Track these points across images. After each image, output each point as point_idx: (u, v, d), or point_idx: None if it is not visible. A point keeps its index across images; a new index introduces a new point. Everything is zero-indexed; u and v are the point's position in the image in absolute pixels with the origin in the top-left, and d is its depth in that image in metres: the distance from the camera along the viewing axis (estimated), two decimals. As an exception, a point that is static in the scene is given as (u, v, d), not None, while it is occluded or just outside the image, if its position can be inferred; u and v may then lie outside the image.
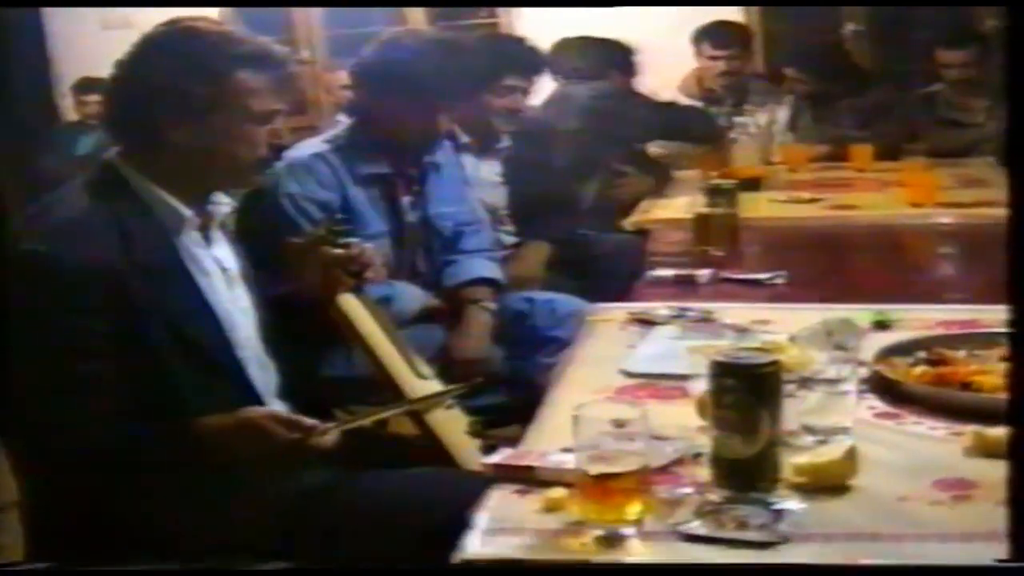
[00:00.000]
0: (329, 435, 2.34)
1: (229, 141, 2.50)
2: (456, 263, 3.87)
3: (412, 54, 3.64)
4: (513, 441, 2.29)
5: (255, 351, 2.62)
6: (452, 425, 2.73)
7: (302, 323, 2.80)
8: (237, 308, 2.60)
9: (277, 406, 2.61)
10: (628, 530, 1.83)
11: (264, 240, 3.45)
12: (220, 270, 2.59)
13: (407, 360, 2.80)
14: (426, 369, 2.85)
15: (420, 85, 3.58)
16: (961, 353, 2.54)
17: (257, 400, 2.54)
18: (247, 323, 2.62)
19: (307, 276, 2.74)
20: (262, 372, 2.63)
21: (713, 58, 6.38)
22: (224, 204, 2.62)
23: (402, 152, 3.72)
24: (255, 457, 2.32)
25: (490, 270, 3.89)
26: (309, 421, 2.33)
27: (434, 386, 2.83)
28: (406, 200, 3.74)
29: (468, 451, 2.68)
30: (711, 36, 6.39)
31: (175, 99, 2.43)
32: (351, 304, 2.78)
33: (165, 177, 2.48)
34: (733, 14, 6.82)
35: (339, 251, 2.72)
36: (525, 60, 4.62)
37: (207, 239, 2.58)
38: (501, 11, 7.97)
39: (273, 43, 2.57)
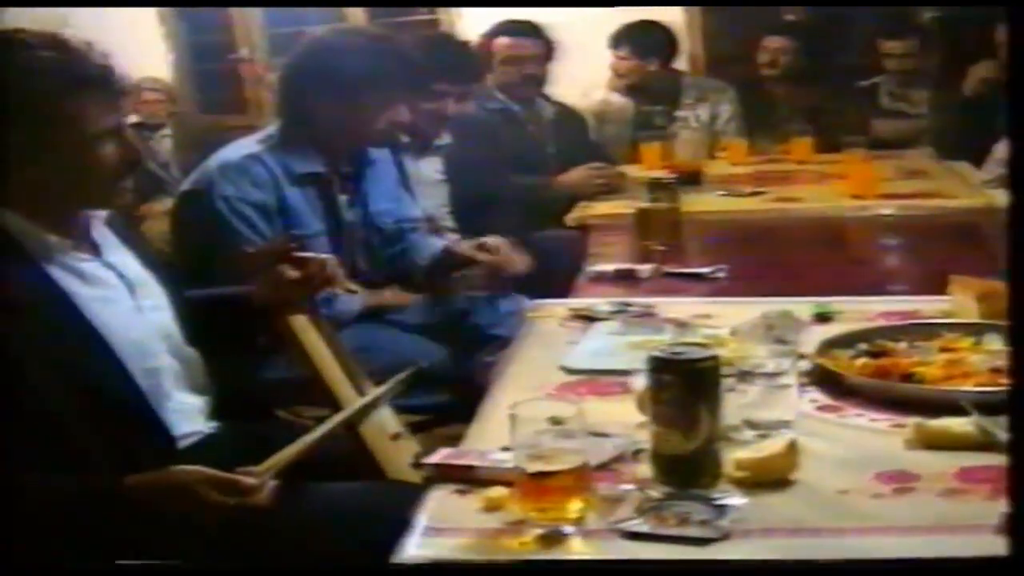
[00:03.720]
0: (264, 491, 2.20)
1: (69, 170, 2.40)
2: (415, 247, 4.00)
3: (337, 55, 3.61)
4: (456, 441, 2.27)
5: (173, 350, 2.58)
6: (379, 432, 2.67)
7: (246, 326, 2.77)
8: (146, 312, 2.54)
9: (200, 401, 2.60)
10: (569, 528, 1.81)
11: (201, 243, 3.43)
12: (117, 277, 2.52)
13: (353, 381, 2.74)
14: (370, 385, 2.79)
15: (344, 86, 3.56)
16: (902, 345, 2.53)
17: (159, 423, 2.48)
18: (160, 322, 2.57)
19: (257, 289, 2.70)
20: (184, 369, 2.59)
21: (621, 58, 6.40)
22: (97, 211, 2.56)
23: (336, 150, 3.69)
24: (187, 519, 2.20)
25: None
26: (247, 481, 2.18)
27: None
28: (343, 199, 3.71)
29: (395, 458, 2.61)
30: (628, 40, 6.41)
31: (12, 134, 2.33)
32: (300, 323, 2.72)
33: (23, 207, 2.38)
34: (659, 13, 6.76)
35: (295, 272, 2.67)
36: (460, 66, 4.59)
37: (94, 248, 2.52)
38: (442, 9, 7.92)
39: (100, 57, 2.44)
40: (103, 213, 2.56)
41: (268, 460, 2.26)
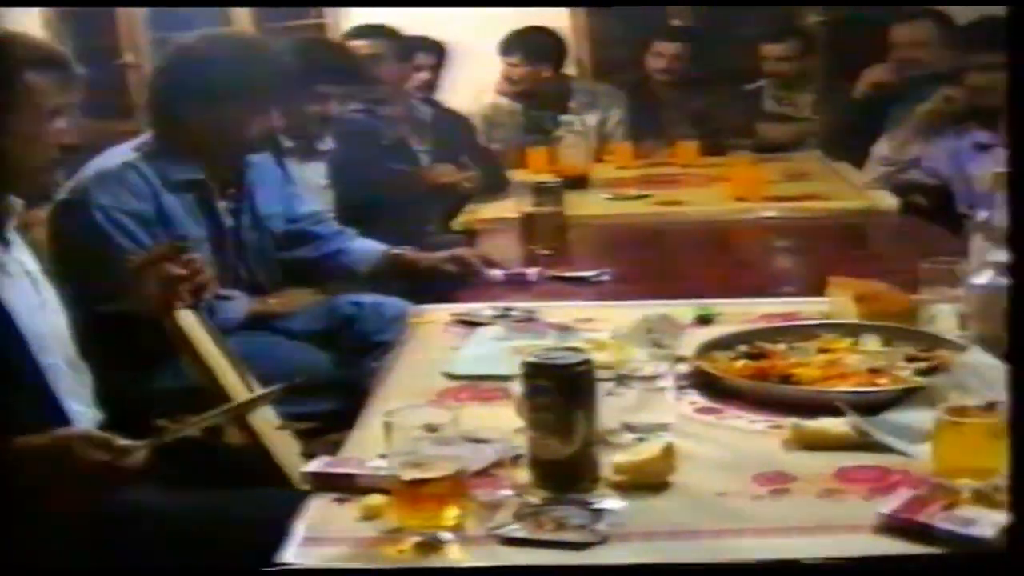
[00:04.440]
0: (138, 454, 2.23)
1: (22, 143, 2.43)
2: (347, 251, 4.04)
3: (203, 63, 3.56)
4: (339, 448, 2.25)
5: (66, 355, 2.56)
6: (266, 423, 2.66)
7: (131, 336, 2.74)
8: (46, 311, 2.54)
9: (90, 412, 2.57)
10: (446, 535, 1.81)
11: (78, 253, 3.35)
12: (24, 272, 2.53)
13: (240, 375, 2.73)
14: (257, 385, 2.78)
15: (211, 94, 3.52)
16: (781, 346, 2.55)
17: (61, 412, 2.46)
18: (58, 324, 2.57)
19: (144, 292, 2.66)
20: (75, 377, 2.57)
21: (512, 65, 6.42)
22: (16, 203, 2.54)
23: (211, 157, 3.63)
24: (67, 478, 2.21)
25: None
26: (121, 441, 2.22)
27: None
28: (223, 205, 3.67)
29: (284, 448, 2.63)
30: (520, 47, 6.42)
31: None
32: (188, 320, 2.70)
33: None
34: (548, 18, 6.79)
35: (181, 270, 2.65)
36: (339, 68, 4.57)
37: (4, 242, 2.51)
38: (328, 11, 7.85)
39: (54, 45, 2.59)
40: (20, 211, 2.56)
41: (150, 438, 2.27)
